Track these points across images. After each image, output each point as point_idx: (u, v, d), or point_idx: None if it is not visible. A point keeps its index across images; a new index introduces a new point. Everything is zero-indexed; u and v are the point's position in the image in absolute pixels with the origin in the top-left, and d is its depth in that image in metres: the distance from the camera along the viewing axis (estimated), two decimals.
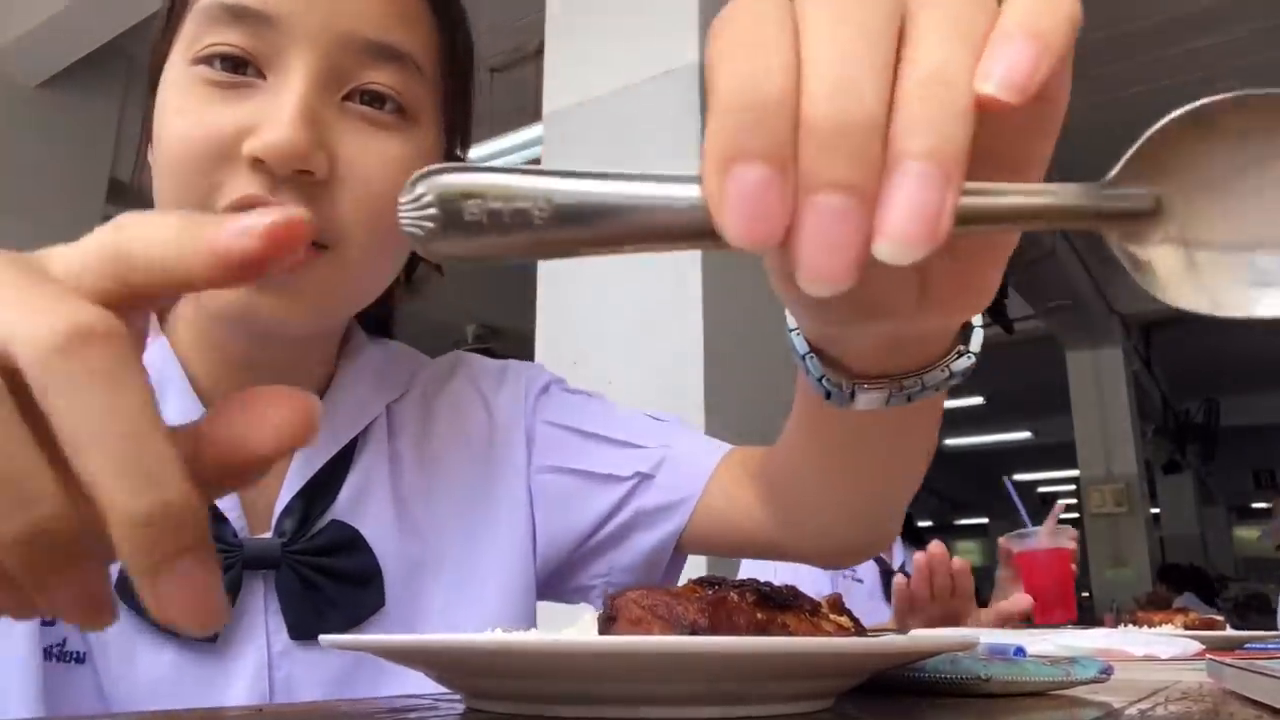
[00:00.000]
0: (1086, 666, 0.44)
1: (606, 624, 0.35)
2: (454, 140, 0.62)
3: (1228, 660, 0.44)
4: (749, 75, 0.22)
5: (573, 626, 0.40)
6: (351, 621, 0.56)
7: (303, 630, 0.54)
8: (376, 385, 0.63)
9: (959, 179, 0.22)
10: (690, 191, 0.22)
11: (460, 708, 0.38)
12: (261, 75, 0.51)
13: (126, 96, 4.34)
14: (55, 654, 0.50)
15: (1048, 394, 7.58)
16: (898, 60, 0.23)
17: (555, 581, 0.68)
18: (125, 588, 0.51)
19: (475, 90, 0.63)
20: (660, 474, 0.63)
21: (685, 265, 1.88)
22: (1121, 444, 6.81)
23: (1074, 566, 1.51)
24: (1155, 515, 8.46)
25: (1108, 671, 0.45)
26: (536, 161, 2.31)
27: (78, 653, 0.50)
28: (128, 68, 4.36)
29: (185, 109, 0.51)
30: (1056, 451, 9.50)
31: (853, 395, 0.39)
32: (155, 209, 0.53)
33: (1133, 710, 0.37)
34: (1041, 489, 14.06)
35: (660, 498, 0.63)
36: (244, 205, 0.49)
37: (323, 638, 0.38)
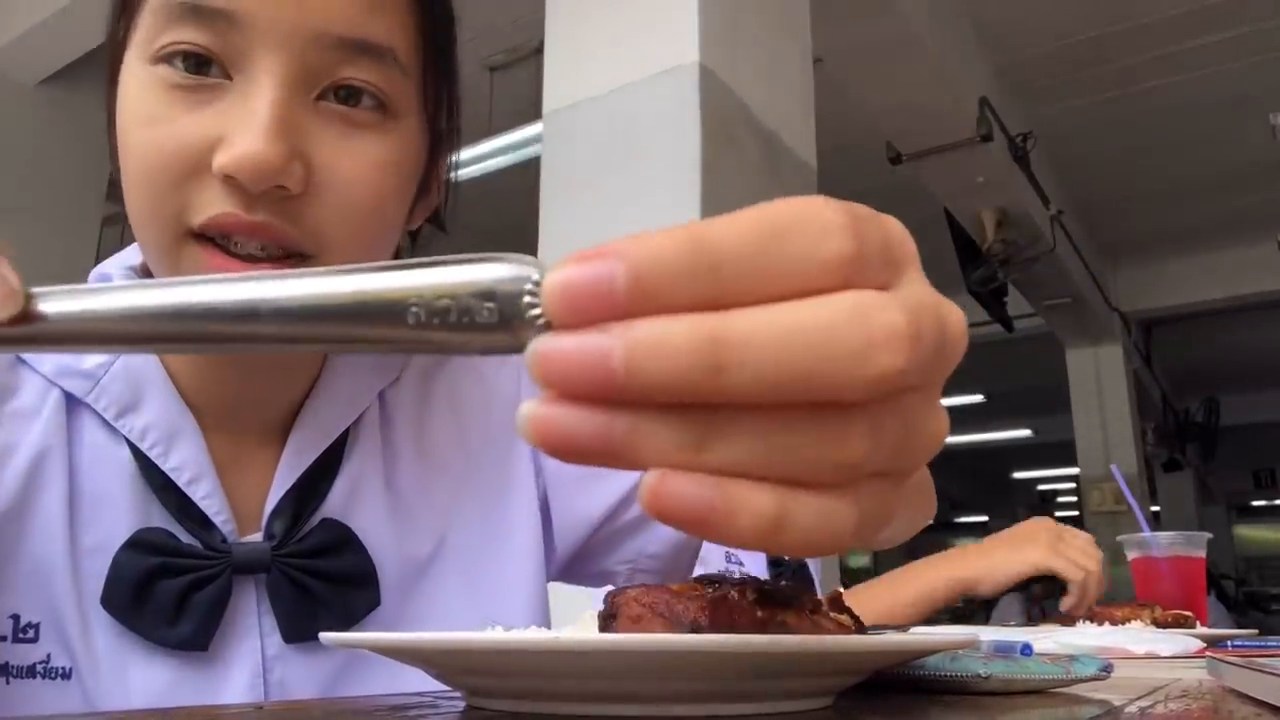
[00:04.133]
0: (1086, 664, 0.44)
1: (607, 622, 0.35)
2: (439, 137, 0.58)
3: (1228, 658, 0.44)
4: None
5: (573, 624, 0.40)
6: (346, 622, 0.55)
7: (296, 633, 0.53)
8: (369, 371, 0.61)
9: None
10: None
11: (460, 705, 0.38)
12: (228, 75, 0.48)
13: None
14: (40, 671, 0.49)
15: (1048, 392, 7.56)
16: None
17: (577, 565, 0.68)
18: (113, 604, 0.50)
19: (459, 82, 0.59)
20: None
21: None
22: (1121, 442, 6.80)
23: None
24: (1155, 513, 8.46)
25: (1108, 669, 0.45)
26: (536, 160, 2.30)
27: (63, 668, 0.49)
28: None
29: (148, 117, 0.48)
30: (1057, 449, 9.49)
31: None
32: (131, 219, 0.51)
33: (1132, 708, 0.37)
34: (1042, 487, 14.05)
35: None
36: (219, 225, 0.47)
37: (323, 635, 0.38)
